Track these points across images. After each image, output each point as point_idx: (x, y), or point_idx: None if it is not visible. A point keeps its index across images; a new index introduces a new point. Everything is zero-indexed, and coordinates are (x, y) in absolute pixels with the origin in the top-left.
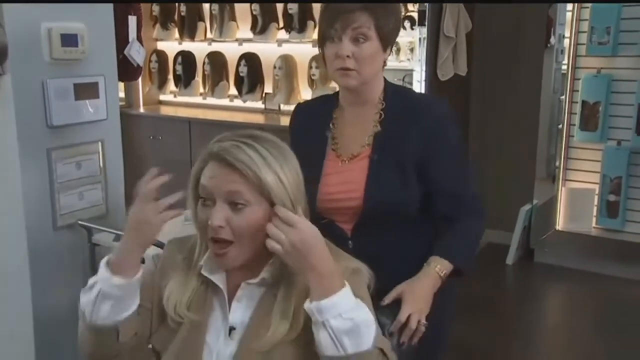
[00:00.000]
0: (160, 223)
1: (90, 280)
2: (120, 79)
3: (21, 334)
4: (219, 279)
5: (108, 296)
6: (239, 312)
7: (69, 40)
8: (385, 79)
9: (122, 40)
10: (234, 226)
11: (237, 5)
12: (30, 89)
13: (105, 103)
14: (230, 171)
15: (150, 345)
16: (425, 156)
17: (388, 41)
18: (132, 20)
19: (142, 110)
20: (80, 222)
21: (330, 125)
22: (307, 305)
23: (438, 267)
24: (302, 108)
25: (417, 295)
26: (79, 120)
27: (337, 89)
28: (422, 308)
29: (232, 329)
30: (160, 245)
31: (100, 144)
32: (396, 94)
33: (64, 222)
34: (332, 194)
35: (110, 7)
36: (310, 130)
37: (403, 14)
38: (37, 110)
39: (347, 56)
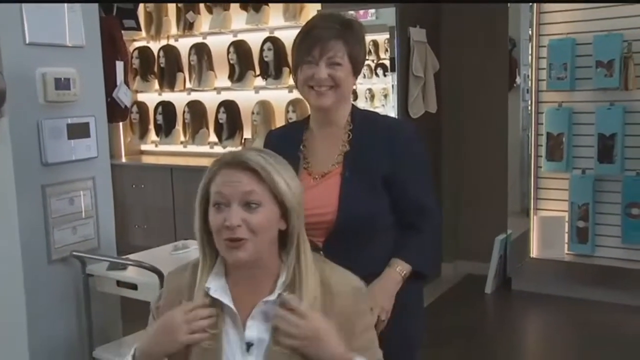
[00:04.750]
0: (188, 331)
1: None
2: (109, 120)
3: None
4: (227, 300)
5: None
6: (254, 328)
7: (62, 84)
8: (352, 104)
9: (110, 84)
10: (249, 225)
11: (214, 55)
12: (26, 129)
13: (96, 142)
14: (245, 174)
15: None
16: (392, 171)
17: (357, 67)
18: (119, 65)
19: (123, 160)
20: (74, 252)
21: (301, 146)
22: None
23: (399, 268)
24: (274, 133)
25: (378, 294)
26: (72, 158)
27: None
28: (383, 305)
29: (249, 345)
30: (154, 269)
31: (92, 180)
32: (363, 116)
33: (58, 256)
34: (306, 209)
35: (99, 53)
36: (283, 152)
37: (375, 62)
38: (33, 149)
39: (324, 78)
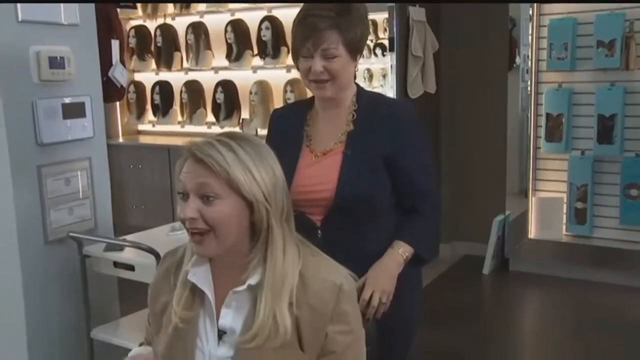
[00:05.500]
0: None
1: None
2: (106, 99)
3: (15, 345)
4: (205, 284)
5: None
6: (229, 318)
7: (57, 62)
8: (357, 84)
9: (105, 63)
10: (206, 218)
11: (212, 35)
12: (21, 109)
13: (92, 122)
14: (200, 166)
15: None
16: (394, 153)
17: (357, 51)
18: (115, 44)
19: (121, 140)
20: (71, 233)
21: (305, 125)
22: None
23: (401, 250)
24: (279, 112)
25: (380, 276)
26: (68, 138)
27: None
28: (385, 288)
29: (222, 334)
30: (151, 250)
31: (88, 161)
32: (368, 97)
33: (55, 236)
34: (305, 186)
35: (94, 31)
36: (287, 131)
37: (374, 42)
38: (27, 129)
39: (320, 72)
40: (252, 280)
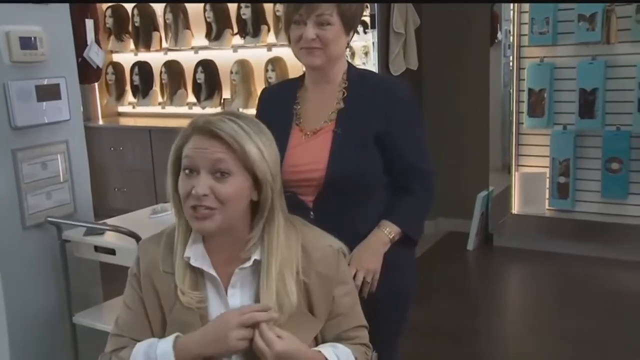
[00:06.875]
0: (239, 336)
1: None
2: (82, 81)
3: None
4: (209, 268)
5: None
6: (237, 297)
7: (28, 43)
8: (348, 62)
9: (80, 43)
10: (217, 194)
11: (191, 13)
12: None
13: (67, 104)
14: (215, 142)
15: None
16: (386, 131)
17: (350, 25)
18: (89, 23)
19: (100, 122)
20: (49, 218)
21: (295, 103)
22: None
23: (387, 230)
24: (269, 90)
25: (364, 255)
26: (43, 121)
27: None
28: (369, 267)
29: None
30: (132, 234)
31: (65, 144)
32: (359, 75)
33: (32, 222)
34: (295, 165)
35: (66, 10)
36: (276, 109)
37: None
38: (0, 112)
39: (312, 39)
40: (257, 256)
